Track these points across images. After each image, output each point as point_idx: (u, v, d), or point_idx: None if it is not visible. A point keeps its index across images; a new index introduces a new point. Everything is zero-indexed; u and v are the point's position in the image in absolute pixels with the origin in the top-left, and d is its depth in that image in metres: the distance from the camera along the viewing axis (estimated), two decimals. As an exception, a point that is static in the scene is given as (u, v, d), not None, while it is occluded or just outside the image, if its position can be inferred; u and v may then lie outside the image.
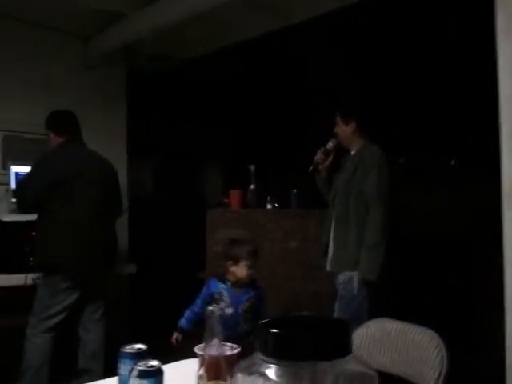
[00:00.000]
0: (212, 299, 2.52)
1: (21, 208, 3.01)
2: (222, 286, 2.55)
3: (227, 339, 1.16)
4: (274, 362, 0.69)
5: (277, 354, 0.69)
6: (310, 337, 0.69)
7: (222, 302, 2.49)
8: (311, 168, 2.96)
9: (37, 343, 2.79)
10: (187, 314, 2.60)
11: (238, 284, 2.54)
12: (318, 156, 2.93)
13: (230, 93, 4.88)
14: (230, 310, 2.48)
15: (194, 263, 4.00)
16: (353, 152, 2.86)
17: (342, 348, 0.70)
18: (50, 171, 2.82)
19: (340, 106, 2.95)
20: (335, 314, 2.67)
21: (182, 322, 2.60)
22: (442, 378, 1.45)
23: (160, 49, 4.27)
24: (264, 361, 0.70)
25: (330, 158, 2.95)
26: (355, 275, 2.60)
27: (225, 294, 2.52)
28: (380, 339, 1.67)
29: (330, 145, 2.94)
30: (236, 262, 2.51)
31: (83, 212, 2.85)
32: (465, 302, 3.44)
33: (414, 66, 3.99)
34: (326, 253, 2.86)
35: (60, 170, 2.83)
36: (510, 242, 1.88)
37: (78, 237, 2.83)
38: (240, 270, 2.51)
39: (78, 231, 2.83)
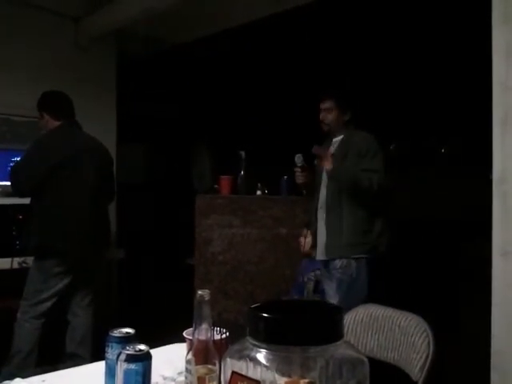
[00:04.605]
0: None
1: (17, 192, 2.89)
2: None
3: None
4: (264, 346, 0.68)
5: (267, 339, 0.68)
6: (301, 321, 0.69)
7: None
8: (304, 192, 3.07)
9: (27, 329, 2.75)
10: None
11: None
12: (300, 177, 2.85)
13: (220, 79, 4.84)
14: None
15: (183, 249, 3.99)
16: (339, 138, 2.80)
17: (333, 333, 0.70)
18: (48, 154, 2.76)
19: (338, 93, 2.87)
20: (334, 299, 2.63)
21: None
22: (428, 362, 1.46)
23: (151, 32, 4.21)
24: (254, 345, 0.69)
25: (305, 172, 2.86)
26: (352, 260, 2.60)
27: None
28: (367, 324, 1.68)
29: (299, 162, 2.83)
30: None
31: (80, 196, 2.81)
32: (453, 288, 3.48)
33: (404, 52, 3.98)
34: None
35: (58, 154, 2.77)
36: (498, 229, 1.89)
37: (74, 221, 2.79)
38: None
39: (74, 215, 2.79)
